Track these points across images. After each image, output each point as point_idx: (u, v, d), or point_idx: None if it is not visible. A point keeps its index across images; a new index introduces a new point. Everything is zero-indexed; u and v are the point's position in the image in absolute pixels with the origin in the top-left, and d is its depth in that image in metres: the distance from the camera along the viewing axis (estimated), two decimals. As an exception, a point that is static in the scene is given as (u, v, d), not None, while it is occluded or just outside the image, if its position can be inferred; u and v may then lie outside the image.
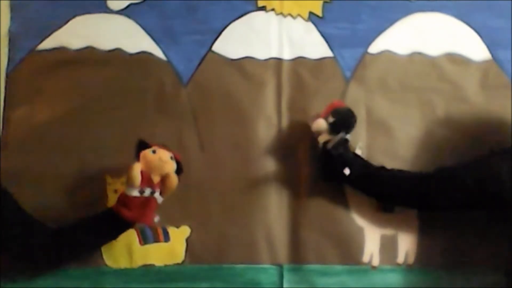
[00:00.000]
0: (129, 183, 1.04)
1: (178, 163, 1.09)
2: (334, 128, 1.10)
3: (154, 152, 1.06)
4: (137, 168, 1.03)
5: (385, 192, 1.13)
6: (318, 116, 1.13)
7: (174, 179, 1.06)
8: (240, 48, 1.27)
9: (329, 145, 1.09)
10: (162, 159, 1.06)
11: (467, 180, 1.05)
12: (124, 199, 1.05)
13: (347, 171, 1.09)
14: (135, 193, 1.04)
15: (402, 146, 1.22)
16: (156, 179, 1.06)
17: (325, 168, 1.13)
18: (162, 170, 1.06)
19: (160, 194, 1.07)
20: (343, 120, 1.11)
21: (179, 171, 1.09)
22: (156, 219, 1.09)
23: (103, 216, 1.07)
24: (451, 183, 1.06)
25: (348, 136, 1.11)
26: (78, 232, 1.07)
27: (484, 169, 1.05)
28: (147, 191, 1.05)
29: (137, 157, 1.06)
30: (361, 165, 1.12)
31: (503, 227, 1.09)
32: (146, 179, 1.04)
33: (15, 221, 1.04)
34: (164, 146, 1.09)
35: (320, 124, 1.12)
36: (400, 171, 1.14)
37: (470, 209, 1.11)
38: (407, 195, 1.11)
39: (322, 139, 1.12)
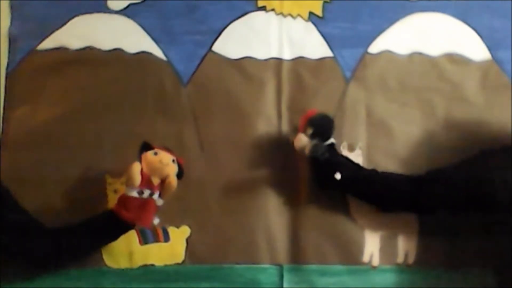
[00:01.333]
0: (129, 183, 1.04)
1: (179, 166, 1.09)
2: (315, 138, 1.10)
3: (155, 154, 1.06)
4: (136, 168, 1.03)
5: (378, 195, 1.13)
6: (297, 131, 1.13)
7: (173, 182, 1.06)
8: (240, 48, 1.27)
9: (307, 153, 1.09)
10: (163, 162, 1.06)
11: (459, 182, 1.05)
12: (123, 200, 1.05)
13: (338, 176, 1.08)
14: (134, 193, 1.04)
15: (402, 146, 1.22)
16: (156, 181, 1.06)
17: (318, 176, 1.14)
18: (162, 172, 1.06)
19: (160, 196, 1.07)
20: (321, 127, 1.11)
21: (180, 174, 1.09)
22: (156, 221, 1.09)
23: (103, 217, 1.07)
24: (444, 186, 1.07)
25: (332, 140, 1.12)
26: (78, 233, 1.07)
27: (477, 171, 1.05)
28: (146, 193, 1.05)
29: (140, 159, 1.06)
30: (351, 169, 1.12)
31: (501, 228, 1.09)
32: (146, 181, 1.04)
33: (15, 221, 1.04)
34: (167, 149, 1.09)
35: (301, 140, 1.11)
36: (392, 174, 1.14)
37: (462, 211, 1.11)
38: (400, 198, 1.12)
39: (308, 150, 1.11)
